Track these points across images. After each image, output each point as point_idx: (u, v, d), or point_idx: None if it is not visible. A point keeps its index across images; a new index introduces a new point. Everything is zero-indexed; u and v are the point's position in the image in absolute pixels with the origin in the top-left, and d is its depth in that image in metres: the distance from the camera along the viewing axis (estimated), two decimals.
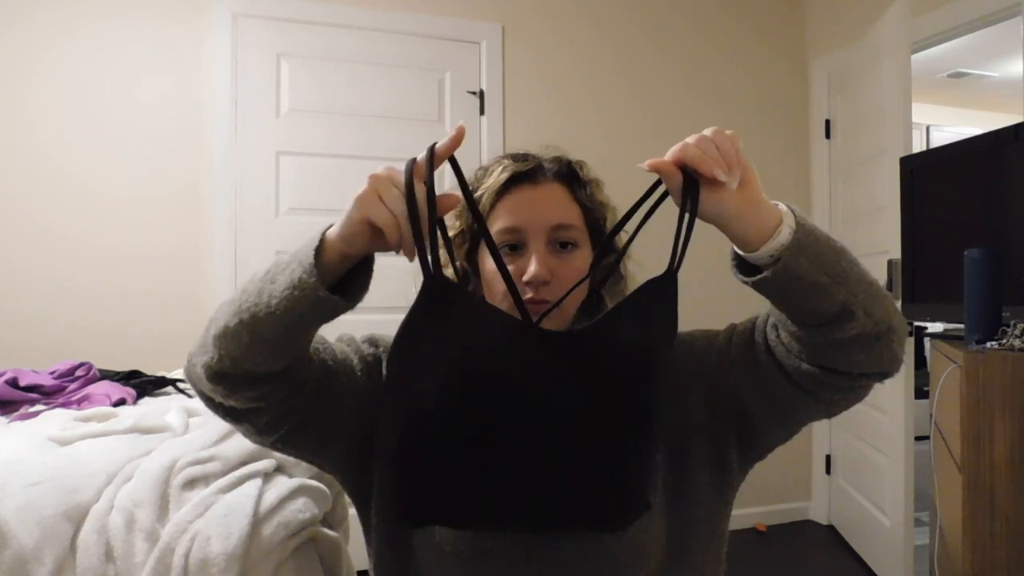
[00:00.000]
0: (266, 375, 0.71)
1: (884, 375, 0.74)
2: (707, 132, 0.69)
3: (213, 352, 0.70)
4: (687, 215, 0.67)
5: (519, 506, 0.70)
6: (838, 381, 0.74)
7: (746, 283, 0.71)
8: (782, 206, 0.71)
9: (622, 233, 0.92)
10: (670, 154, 0.67)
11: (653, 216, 0.75)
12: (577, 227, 0.87)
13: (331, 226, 0.68)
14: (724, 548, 0.89)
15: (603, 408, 0.69)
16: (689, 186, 0.66)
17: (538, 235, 0.84)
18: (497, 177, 0.87)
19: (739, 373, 0.82)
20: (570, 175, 0.90)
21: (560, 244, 0.85)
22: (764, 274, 0.68)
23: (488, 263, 0.86)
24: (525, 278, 0.82)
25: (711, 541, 0.87)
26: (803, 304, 0.69)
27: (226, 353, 0.69)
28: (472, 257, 0.91)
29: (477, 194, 0.88)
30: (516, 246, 0.85)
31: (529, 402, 0.68)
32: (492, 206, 0.87)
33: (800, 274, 0.67)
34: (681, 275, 0.71)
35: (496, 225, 0.86)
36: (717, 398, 0.83)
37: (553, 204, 0.87)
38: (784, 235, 0.68)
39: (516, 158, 0.89)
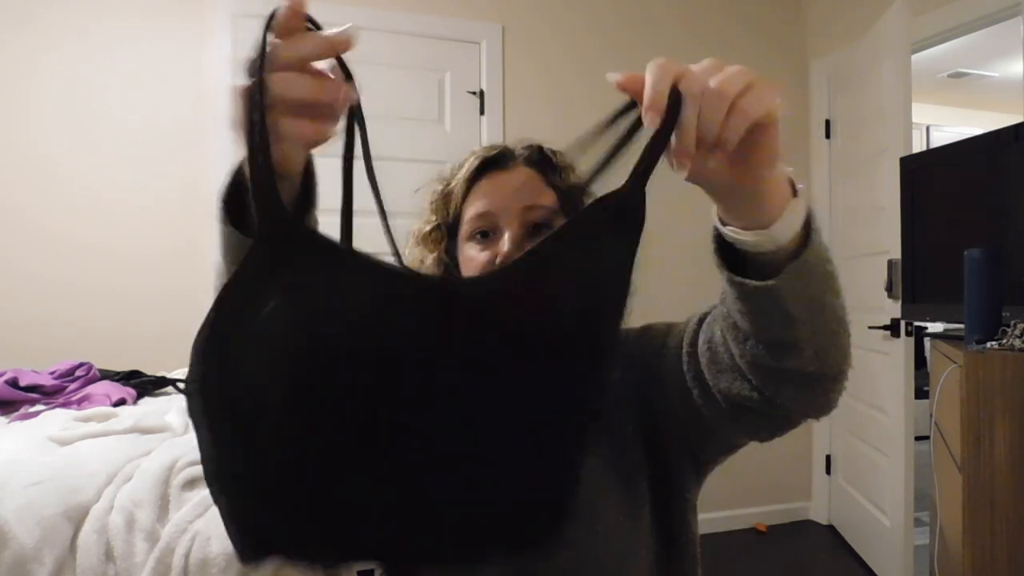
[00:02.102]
0: None
1: (806, 418, 0.68)
2: (723, 75, 0.51)
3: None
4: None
5: (389, 533, 0.50)
6: (761, 407, 0.65)
7: (722, 271, 0.60)
8: (798, 191, 0.58)
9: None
10: (657, 77, 0.52)
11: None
12: (551, 208, 0.85)
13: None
14: (697, 549, 0.86)
15: (509, 383, 0.48)
16: (672, 106, 0.51)
17: (511, 218, 0.83)
18: (468, 166, 0.87)
19: (674, 374, 0.75)
20: (542, 161, 0.89)
21: (535, 226, 0.83)
22: (769, 282, 0.56)
23: (464, 251, 0.86)
24: (498, 260, 0.81)
25: (684, 544, 0.85)
26: (761, 319, 0.60)
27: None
28: (451, 251, 0.91)
29: (450, 187, 0.88)
30: (489, 233, 0.84)
31: (401, 383, 0.46)
32: (464, 195, 0.87)
33: (783, 294, 0.57)
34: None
35: (468, 212, 0.86)
36: (662, 396, 0.79)
37: (525, 187, 0.86)
38: (782, 229, 0.56)
39: (487, 148, 0.89)
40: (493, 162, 0.87)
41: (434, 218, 0.91)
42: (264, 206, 0.45)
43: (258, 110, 0.45)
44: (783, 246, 0.56)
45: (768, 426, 0.69)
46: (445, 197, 0.90)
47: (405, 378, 0.46)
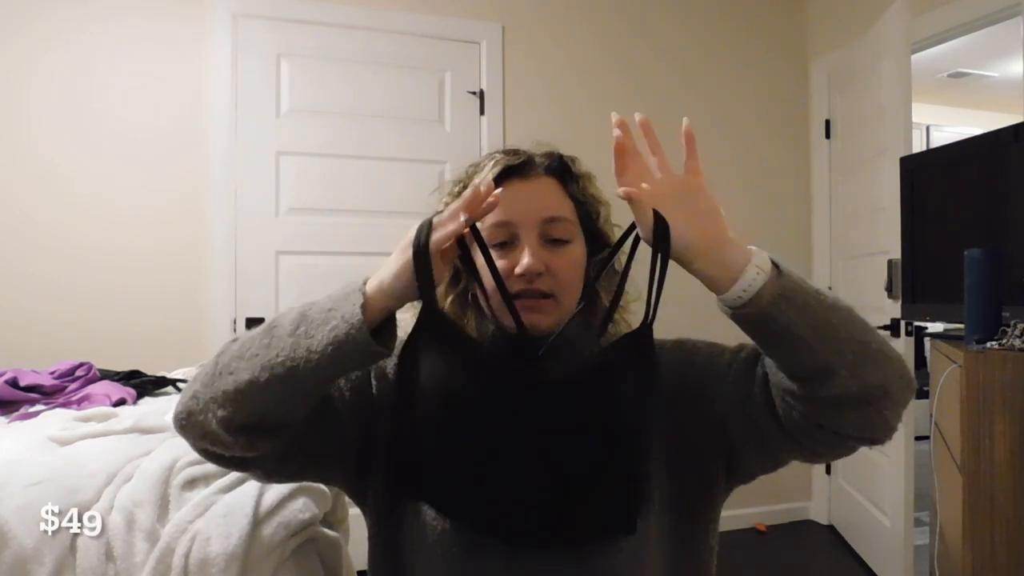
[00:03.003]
0: (292, 422, 0.74)
1: (872, 441, 0.73)
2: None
3: (233, 407, 0.71)
4: (659, 258, 0.69)
5: (497, 516, 0.76)
6: (822, 436, 0.72)
7: (728, 315, 0.71)
8: (756, 249, 0.70)
9: (615, 228, 0.92)
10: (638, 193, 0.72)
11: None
12: (569, 221, 0.86)
13: (366, 280, 0.72)
14: (713, 562, 0.88)
15: (579, 441, 0.75)
16: (659, 225, 0.69)
17: (530, 228, 0.84)
18: (489, 171, 0.86)
19: (731, 399, 0.80)
20: (562, 169, 0.89)
21: (553, 240, 0.84)
22: (745, 310, 0.68)
23: (481, 260, 0.86)
24: (518, 270, 0.81)
25: (702, 555, 0.86)
26: (787, 355, 0.69)
27: (251, 405, 0.70)
28: (466, 257, 0.91)
29: (467, 190, 0.88)
30: (508, 242, 0.85)
31: (508, 432, 0.75)
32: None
33: (783, 324, 0.67)
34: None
35: (487, 220, 0.85)
36: (706, 417, 0.82)
37: (545, 197, 0.86)
38: (751, 275, 0.68)
39: (508, 153, 0.89)
40: (514, 170, 0.87)
41: None
42: (426, 305, 0.72)
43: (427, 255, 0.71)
44: (762, 290, 0.68)
45: (828, 451, 0.77)
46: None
47: (501, 421, 0.75)
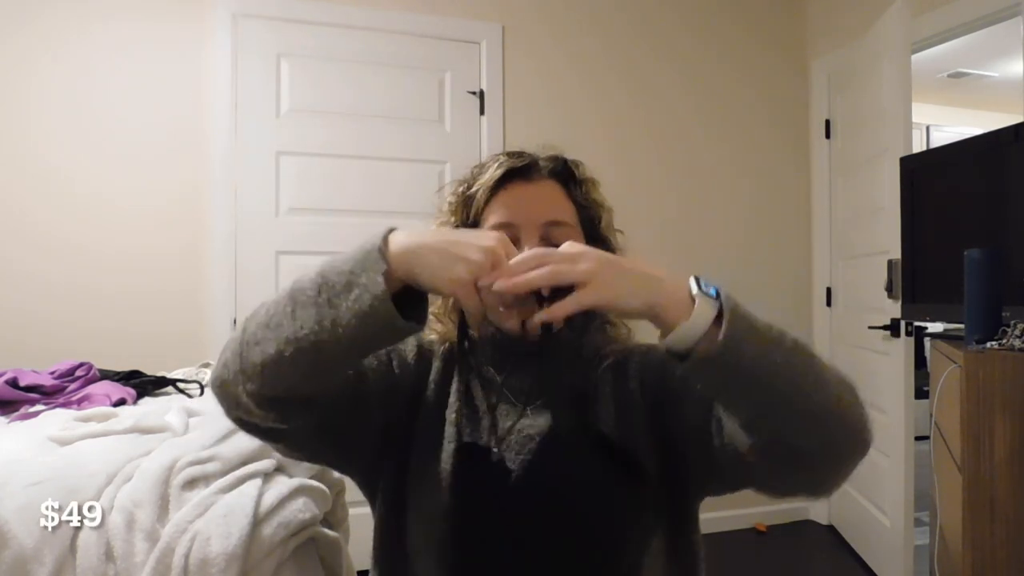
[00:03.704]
0: (324, 395, 0.73)
1: (808, 495, 0.72)
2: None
3: (261, 380, 0.68)
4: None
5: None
6: (760, 473, 0.71)
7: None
8: (694, 288, 0.64)
9: (617, 233, 0.93)
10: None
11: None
12: (571, 225, 0.87)
13: (388, 235, 0.67)
14: (701, 549, 0.88)
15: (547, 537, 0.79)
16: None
17: (531, 231, 0.84)
18: (492, 173, 0.87)
19: (697, 420, 0.78)
20: (565, 173, 0.90)
21: (553, 245, 0.85)
22: (689, 360, 0.63)
23: None
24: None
25: (690, 540, 0.87)
26: (725, 395, 0.67)
27: (280, 380, 0.68)
28: None
29: (472, 190, 0.89)
30: None
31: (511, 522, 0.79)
32: (486, 202, 0.87)
33: (736, 364, 0.62)
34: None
35: (489, 221, 0.86)
36: (680, 426, 0.80)
37: (547, 200, 0.87)
38: (691, 327, 0.62)
39: (512, 155, 0.89)
40: (518, 172, 0.87)
41: (453, 219, 0.91)
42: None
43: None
44: (700, 338, 0.63)
45: (772, 489, 0.74)
46: (466, 200, 0.90)
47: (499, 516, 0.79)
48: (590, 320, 0.90)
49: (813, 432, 0.64)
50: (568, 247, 0.66)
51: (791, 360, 0.64)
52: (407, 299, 0.66)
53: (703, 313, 0.62)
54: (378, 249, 0.65)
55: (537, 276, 0.64)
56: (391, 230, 0.67)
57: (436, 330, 0.93)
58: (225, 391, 0.72)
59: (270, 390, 0.69)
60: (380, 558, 0.87)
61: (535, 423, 0.84)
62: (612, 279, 0.64)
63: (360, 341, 0.66)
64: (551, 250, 0.66)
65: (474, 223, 0.90)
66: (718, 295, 0.64)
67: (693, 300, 0.63)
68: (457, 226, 0.91)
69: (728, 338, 0.61)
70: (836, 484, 0.70)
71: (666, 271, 0.66)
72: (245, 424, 0.75)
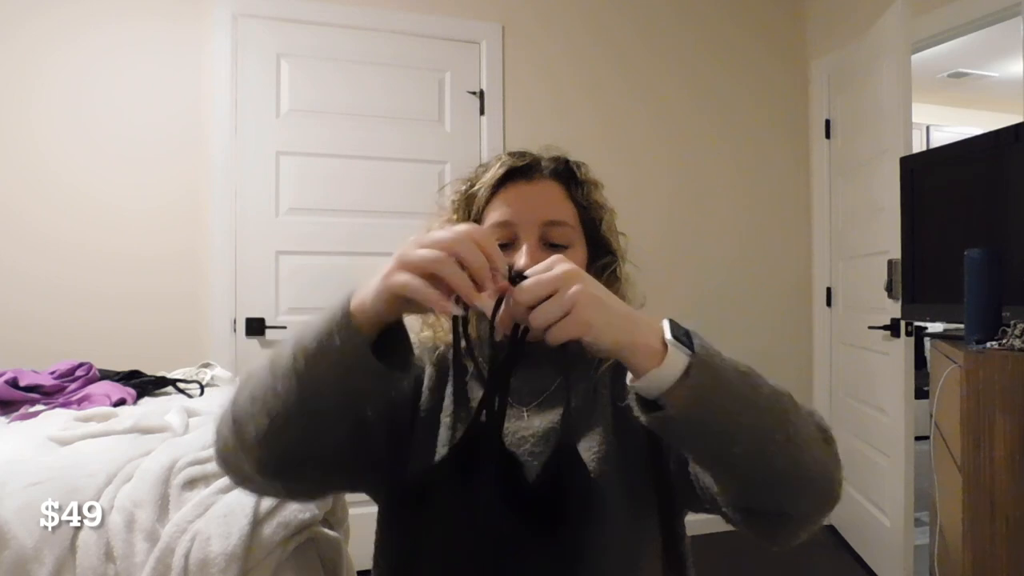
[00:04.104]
0: (325, 453, 0.71)
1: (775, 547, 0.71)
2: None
3: (261, 451, 0.67)
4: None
5: None
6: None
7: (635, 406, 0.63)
8: (667, 332, 0.61)
9: (620, 236, 0.93)
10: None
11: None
12: (571, 225, 0.87)
13: (351, 295, 0.65)
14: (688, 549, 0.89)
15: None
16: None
17: (530, 230, 0.84)
18: (494, 172, 0.87)
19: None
20: (567, 174, 0.90)
21: (552, 245, 0.85)
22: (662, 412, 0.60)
23: None
24: (513, 271, 0.82)
25: (681, 544, 0.88)
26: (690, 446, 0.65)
27: (281, 447, 0.67)
28: None
29: (474, 189, 0.89)
30: (507, 244, 0.85)
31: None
32: (487, 200, 0.87)
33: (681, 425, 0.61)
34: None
35: (489, 219, 0.86)
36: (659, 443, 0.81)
37: (547, 200, 0.87)
38: (656, 377, 0.59)
39: (515, 155, 0.90)
40: (519, 171, 0.87)
41: (455, 217, 0.91)
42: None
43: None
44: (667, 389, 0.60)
45: (745, 529, 0.72)
46: (468, 198, 0.90)
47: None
48: None
49: (775, 496, 0.64)
50: (558, 270, 0.61)
51: (761, 422, 0.61)
52: (388, 341, 0.66)
53: (672, 364, 0.59)
54: (341, 306, 0.65)
55: (535, 317, 0.60)
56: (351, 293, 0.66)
57: (425, 336, 0.92)
58: (230, 467, 0.72)
59: (274, 459, 0.68)
60: (381, 562, 0.87)
61: (531, 425, 0.84)
62: (591, 312, 0.60)
63: (348, 395, 0.65)
64: (541, 279, 0.61)
65: (475, 221, 0.90)
66: (690, 342, 0.60)
67: (665, 346, 0.60)
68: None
69: (694, 396, 0.58)
70: (799, 539, 0.69)
71: (643, 312, 0.64)
72: (257, 492, 0.76)
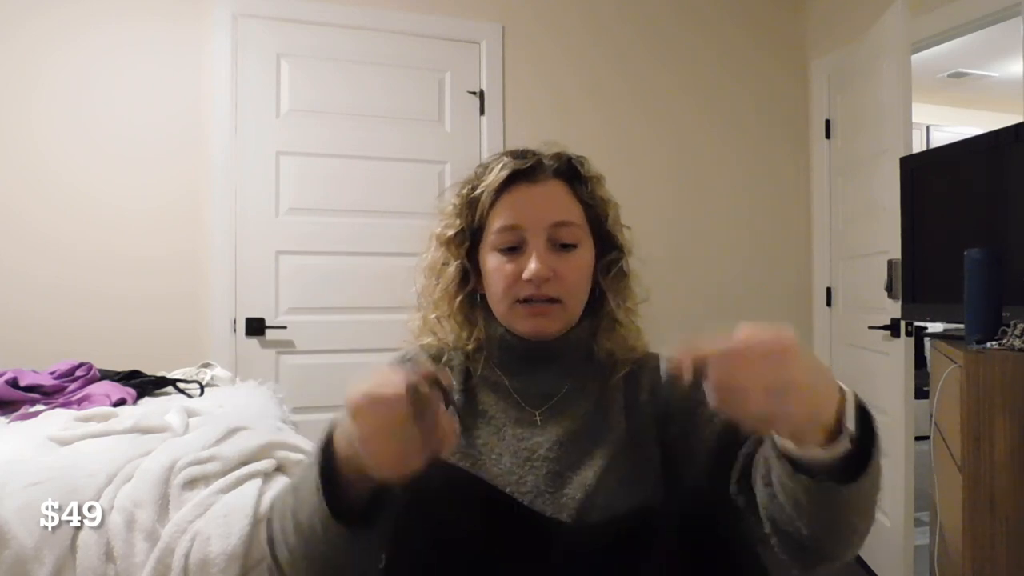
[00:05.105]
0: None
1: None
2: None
3: None
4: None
5: None
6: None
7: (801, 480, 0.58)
8: (849, 419, 0.56)
9: (625, 230, 0.92)
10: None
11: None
12: (578, 224, 0.87)
13: (328, 438, 0.63)
14: None
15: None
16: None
17: (538, 233, 0.84)
18: (497, 175, 0.87)
19: (703, 446, 0.77)
20: (570, 172, 0.89)
21: (561, 245, 0.85)
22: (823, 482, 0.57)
23: (489, 261, 0.86)
24: (525, 276, 0.82)
25: None
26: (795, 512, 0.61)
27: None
28: (472, 255, 0.91)
29: (477, 192, 0.88)
30: (516, 247, 0.85)
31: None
32: (492, 204, 0.87)
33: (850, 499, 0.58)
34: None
35: (495, 223, 0.86)
36: (688, 443, 0.80)
37: (553, 202, 0.87)
38: (827, 456, 0.56)
39: (516, 155, 0.89)
40: (522, 173, 0.87)
41: (458, 222, 0.90)
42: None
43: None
44: (830, 460, 0.57)
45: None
46: (471, 202, 0.89)
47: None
48: (599, 321, 0.90)
49: (838, 546, 0.64)
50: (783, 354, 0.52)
51: (872, 499, 0.61)
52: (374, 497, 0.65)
53: (843, 446, 0.56)
54: (316, 459, 0.63)
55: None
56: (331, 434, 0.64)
57: (431, 343, 0.92)
58: None
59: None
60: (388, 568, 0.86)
61: (543, 431, 0.84)
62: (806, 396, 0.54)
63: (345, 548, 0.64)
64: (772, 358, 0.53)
65: (479, 226, 0.89)
66: (865, 425, 0.57)
67: (838, 425, 0.55)
68: (463, 229, 0.90)
69: (857, 483, 0.57)
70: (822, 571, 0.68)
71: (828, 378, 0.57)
72: None
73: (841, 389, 0.56)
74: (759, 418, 0.53)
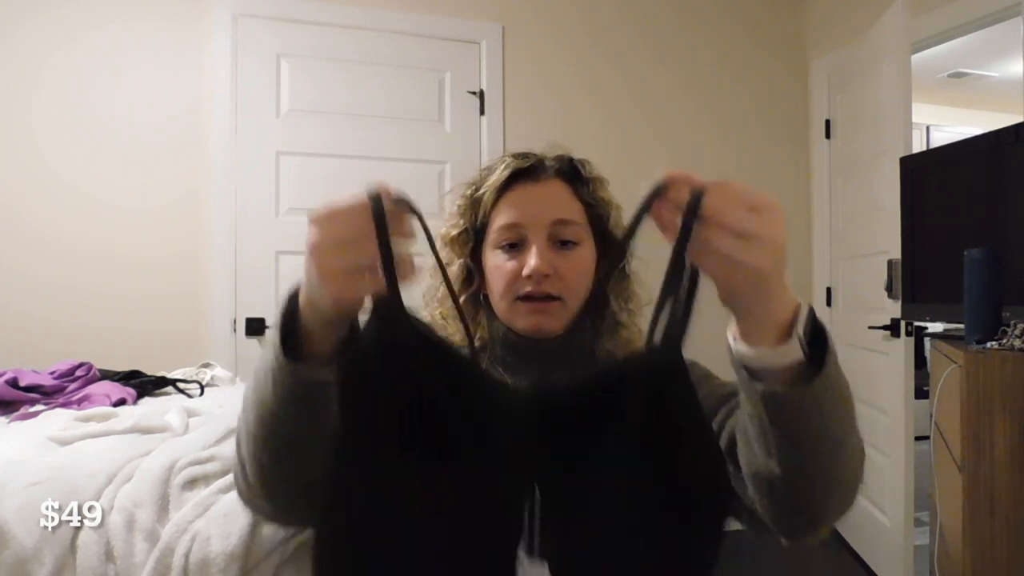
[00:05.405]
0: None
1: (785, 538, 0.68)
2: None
3: (268, 486, 0.65)
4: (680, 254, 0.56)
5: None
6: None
7: (747, 384, 0.58)
8: (801, 319, 0.57)
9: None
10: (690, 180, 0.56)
11: (649, 220, 0.63)
12: (579, 223, 0.87)
13: (295, 296, 0.59)
14: None
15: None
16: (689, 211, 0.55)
17: (539, 231, 0.84)
18: (499, 174, 0.87)
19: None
20: (572, 172, 0.90)
21: (561, 243, 0.85)
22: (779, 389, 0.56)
23: (491, 260, 0.86)
24: (525, 272, 0.82)
25: None
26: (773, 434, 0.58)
27: (287, 476, 0.64)
28: (476, 255, 0.92)
29: (480, 192, 0.89)
30: (517, 244, 0.85)
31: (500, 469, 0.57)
32: (494, 203, 0.88)
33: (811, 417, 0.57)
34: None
35: (497, 222, 0.86)
36: None
37: (554, 200, 0.87)
38: (791, 349, 0.56)
39: (518, 156, 0.89)
40: (524, 173, 0.87)
41: (461, 222, 0.91)
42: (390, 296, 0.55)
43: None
44: (782, 369, 0.57)
45: (744, 519, 0.70)
46: (474, 202, 0.90)
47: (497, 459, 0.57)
48: (602, 321, 0.90)
49: (822, 497, 0.62)
50: (768, 212, 0.54)
51: (841, 431, 0.59)
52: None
53: (795, 352, 0.56)
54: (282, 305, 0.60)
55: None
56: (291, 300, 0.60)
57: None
58: (256, 510, 0.71)
59: (283, 491, 0.66)
60: None
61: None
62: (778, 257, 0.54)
63: (295, 411, 0.60)
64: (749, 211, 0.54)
65: (482, 225, 0.90)
66: (817, 329, 0.57)
67: (790, 331, 0.56)
68: (466, 229, 0.91)
69: (813, 388, 0.56)
70: (811, 537, 0.67)
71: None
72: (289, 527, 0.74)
73: (799, 305, 0.57)
74: (721, 259, 0.53)
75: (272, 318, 0.62)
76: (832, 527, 0.65)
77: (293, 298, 0.59)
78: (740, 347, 0.58)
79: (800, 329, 0.56)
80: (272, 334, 0.59)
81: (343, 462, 0.56)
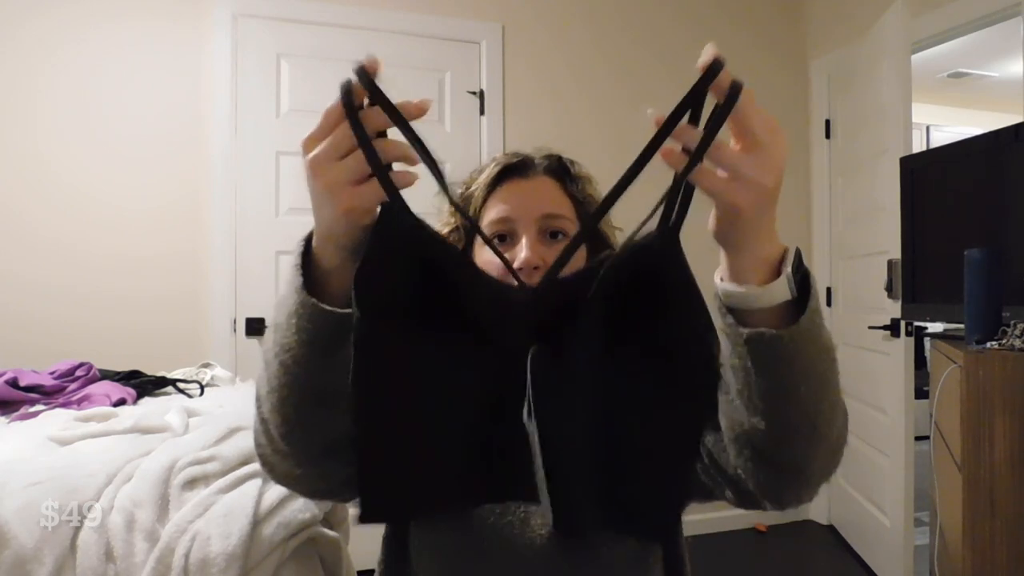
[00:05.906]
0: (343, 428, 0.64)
1: (767, 503, 0.67)
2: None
3: (286, 440, 0.65)
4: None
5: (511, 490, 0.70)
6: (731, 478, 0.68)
7: (730, 327, 0.59)
8: (788, 264, 0.59)
9: (616, 231, 0.93)
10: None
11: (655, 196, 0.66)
12: (568, 218, 0.87)
13: (310, 236, 0.62)
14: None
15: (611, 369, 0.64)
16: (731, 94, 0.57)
17: (528, 224, 0.85)
18: (489, 172, 0.88)
19: None
20: (561, 170, 0.91)
21: (551, 234, 0.86)
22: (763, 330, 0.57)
23: (482, 256, 0.87)
24: (516, 264, 0.83)
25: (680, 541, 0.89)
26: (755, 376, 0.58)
27: (309, 434, 0.65)
28: (467, 253, 0.92)
29: (470, 191, 0.89)
30: (506, 236, 0.86)
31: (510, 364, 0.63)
32: (484, 200, 0.88)
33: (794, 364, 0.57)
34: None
35: (487, 217, 0.87)
36: None
37: (543, 194, 0.88)
38: (779, 288, 0.57)
39: (508, 155, 0.91)
40: (514, 169, 0.88)
41: (453, 220, 0.92)
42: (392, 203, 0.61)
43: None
44: (769, 310, 0.58)
45: (726, 494, 0.71)
46: (464, 200, 0.91)
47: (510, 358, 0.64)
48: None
49: (806, 449, 0.62)
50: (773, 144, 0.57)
51: (830, 370, 0.60)
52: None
53: (782, 292, 0.57)
54: (296, 265, 0.64)
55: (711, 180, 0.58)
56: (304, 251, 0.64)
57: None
58: (269, 470, 0.71)
59: (307, 449, 0.67)
60: (386, 563, 0.86)
61: None
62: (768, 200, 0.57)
63: (319, 353, 0.63)
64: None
65: (473, 221, 0.90)
66: (803, 278, 0.58)
67: (778, 270, 0.58)
68: (458, 227, 0.91)
69: (799, 328, 0.56)
70: (800, 501, 0.67)
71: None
72: (301, 491, 0.75)
73: (787, 248, 0.59)
74: (733, 175, 0.57)
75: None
76: (816, 491, 0.65)
77: (307, 241, 0.63)
78: (728, 286, 0.60)
79: (789, 268, 0.58)
80: (293, 276, 0.63)
81: (365, 347, 0.60)
